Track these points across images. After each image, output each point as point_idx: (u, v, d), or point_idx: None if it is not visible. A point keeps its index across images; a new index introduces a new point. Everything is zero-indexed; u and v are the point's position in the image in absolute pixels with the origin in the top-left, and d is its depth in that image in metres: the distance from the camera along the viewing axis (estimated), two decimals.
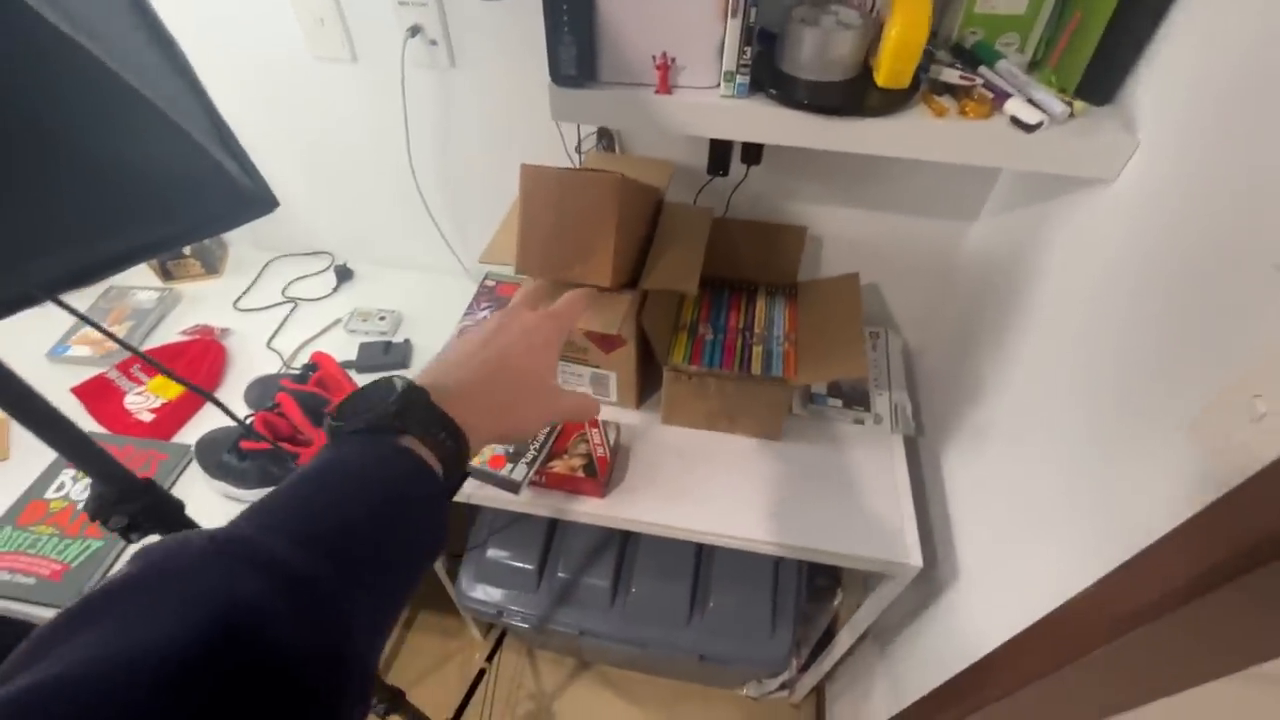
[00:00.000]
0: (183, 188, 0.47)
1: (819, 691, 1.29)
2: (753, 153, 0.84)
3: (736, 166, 0.88)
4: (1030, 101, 0.60)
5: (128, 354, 1.02)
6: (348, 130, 0.99)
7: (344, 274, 1.17)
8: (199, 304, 1.14)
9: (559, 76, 0.63)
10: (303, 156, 1.05)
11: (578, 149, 0.92)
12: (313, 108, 0.97)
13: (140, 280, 1.15)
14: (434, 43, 0.85)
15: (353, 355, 1.02)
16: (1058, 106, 0.58)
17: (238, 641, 0.23)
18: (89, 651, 0.21)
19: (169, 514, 0.48)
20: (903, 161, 0.63)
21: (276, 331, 1.08)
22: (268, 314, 1.11)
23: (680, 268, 0.77)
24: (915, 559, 0.79)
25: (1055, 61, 0.63)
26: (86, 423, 0.94)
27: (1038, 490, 0.67)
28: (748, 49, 0.59)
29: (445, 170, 1.01)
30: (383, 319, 1.08)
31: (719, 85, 0.63)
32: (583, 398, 0.46)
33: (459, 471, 0.36)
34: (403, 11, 0.83)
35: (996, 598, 0.73)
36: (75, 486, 0.85)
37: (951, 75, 0.63)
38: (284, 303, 1.13)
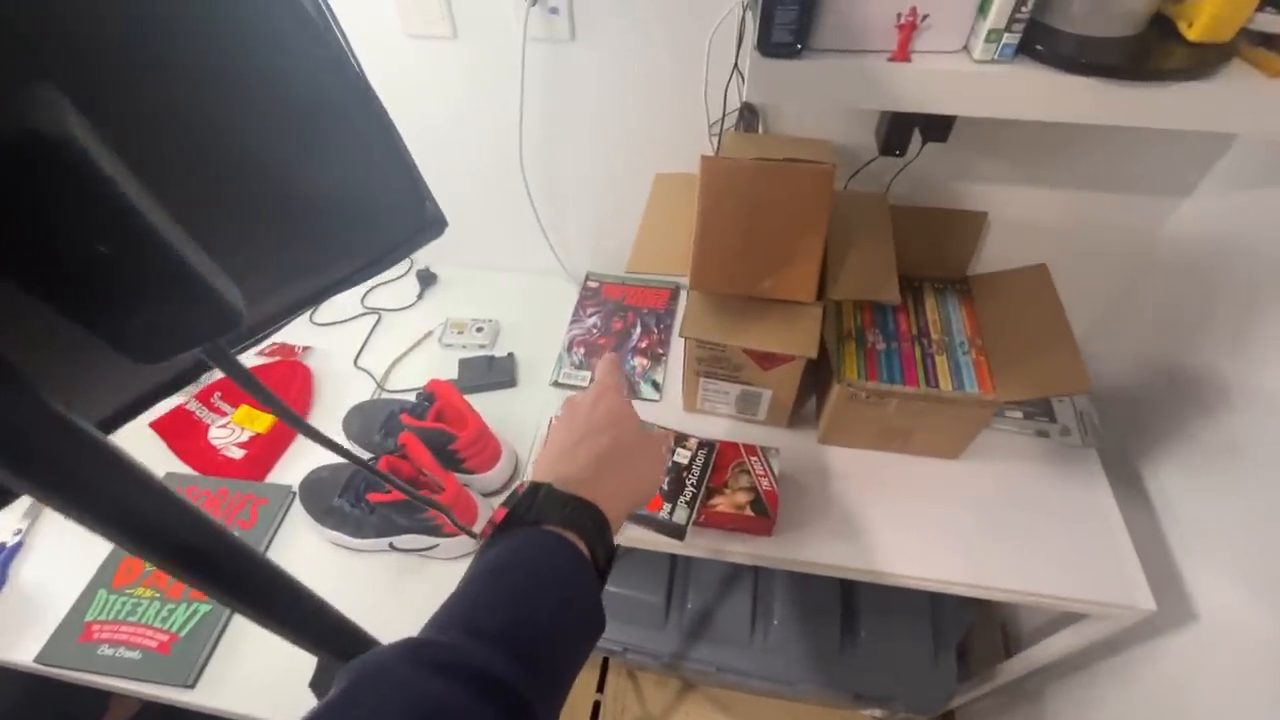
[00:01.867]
0: (374, 213, 0.36)
1: (950, 713, 1.20)
2: (940, 127, 0.71)
3: (914, 143, 0.75)
4: None
5: (206, 382, 0.92)
6: (441, 114, 0.86)
7: (427, 279, 1.05)
8: None
9: (770, 45, 0.50)
10: None
11: (715, 130, 0.79)
12: (402, 90, 0.84)
13: None
14: (554, 10, 0.72)
15: (454, 373, 0.91)
16: None
17: None
18: None
19: None
20: (1110, 127, 0.49)
21: (362, 348, 0.97)
22: (349, 327, 1.00)
23: (873, 271, 0.65)
24: (1145, 601, 0.68)
25: None
26: (170, 462, 0.84)
27: None
28: (1025, 4, 0.46)
29: (551, 160, 0.89)
30: (480, 330, 0.97)
31: (969, 48, 0.49)
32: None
33: (606, 552, 0.37)
34: None
35: (1258, 658, 0.62)
36: None
37: (1273, 23, 0.49)
38: (365, 314, 1.02)
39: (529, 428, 0.84)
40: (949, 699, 0.93)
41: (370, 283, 1.06)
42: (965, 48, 0.50)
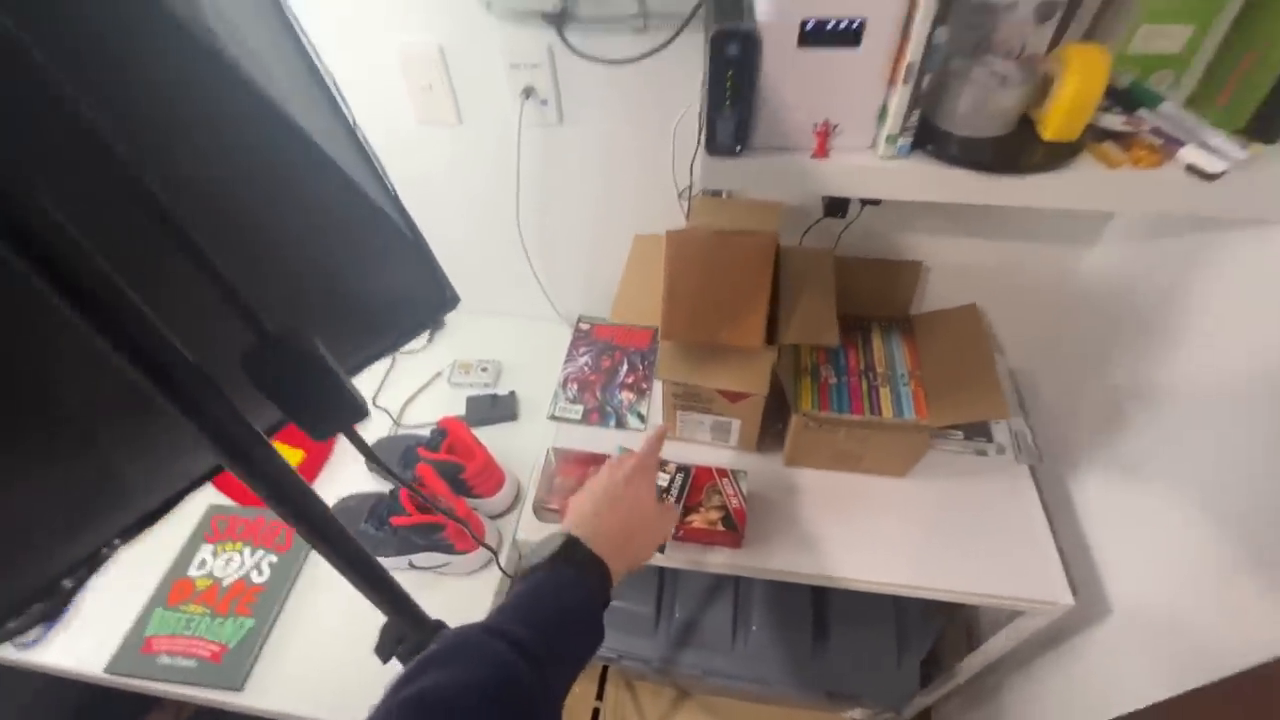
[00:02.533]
0: (400, 298, 0.48)
1: (927, 713, 1.29)
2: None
3: (854, 206, 0.87)
4: (1204, 146, 0.59)
5: None
6: (446, 186, 0.99)
7: (436, 325, 1.17)
8: None
9: (714, 147, 0.62)
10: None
11: (685, 195, 0.92)
12: (413, 167, 0.98)
13: None
14: (545, 102, 0.85)
15: (462, 410, 1.03)
16: (1239, 152, 0.57)
17: (514, 684, 0.40)
18: (445, 678, 0.39)
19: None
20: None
21: (379, 388, 1.08)
22: (366, 371, 1.11)
23: (816, 318, 0.77)
24: (1064, 597, 0.78)
25: (1224, 100, 0.62)
26: (212, 495, 0.95)
27: (1208, 537, 0.66)
28: (915, 113, 0.58)
29: (544, 220, 1.01)
30: (484, 370, 1.08)
31: (875, 145, 0.62)
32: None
33: (604, 592, 0.53)
34: (514, 74, 0.82)
35: (1158, 644, 0.72)
36: (216, 562, 0.87)
37: (1114, 121, 0.61)
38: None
39: (530, 456, 0.95)
40: (914, 695, 1.02)
41: None
42: (873, 146, 0.62)
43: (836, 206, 0.85)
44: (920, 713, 1.27)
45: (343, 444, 1.02)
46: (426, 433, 0.91)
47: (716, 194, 0.91)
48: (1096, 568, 0.83)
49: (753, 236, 0.66)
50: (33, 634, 0.81)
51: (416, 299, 0.49)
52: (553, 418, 1.00)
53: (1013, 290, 0.99)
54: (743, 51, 0.55)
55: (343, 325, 0.43)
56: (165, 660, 0.78)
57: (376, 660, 0.53)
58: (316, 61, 0.40)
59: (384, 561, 0.84)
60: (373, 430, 1.01)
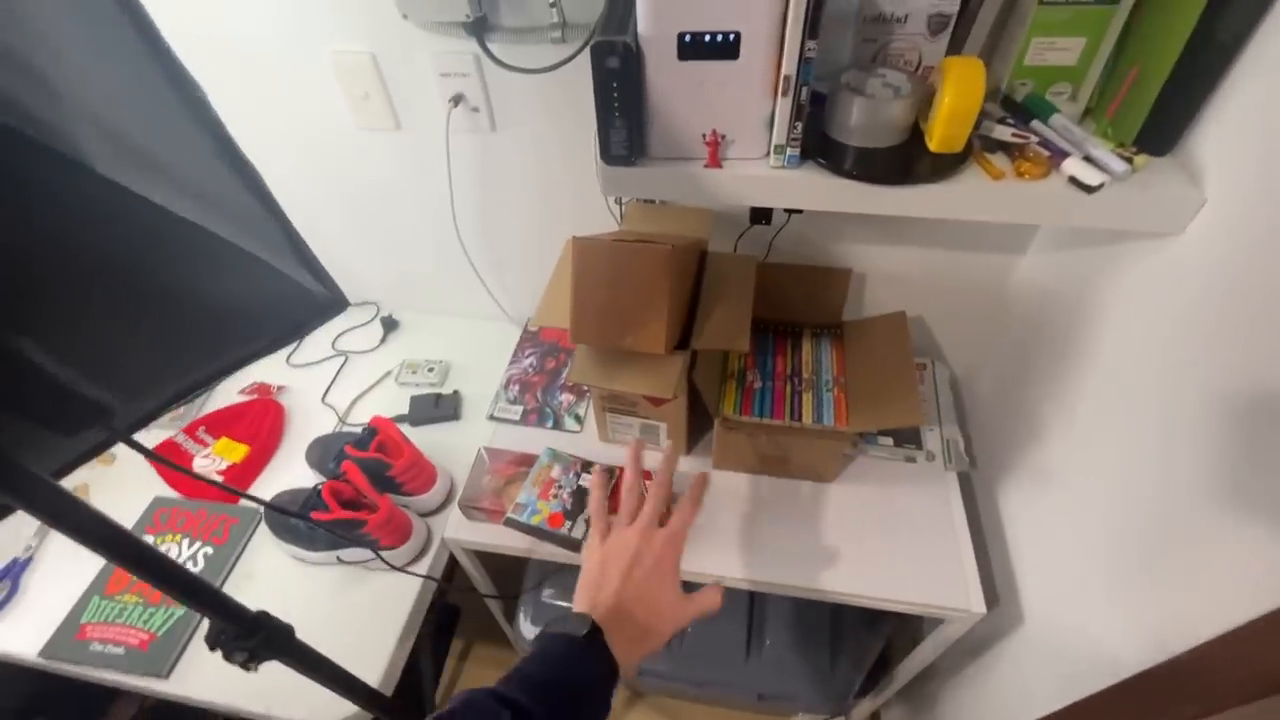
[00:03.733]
0: (267, 309, 0.50)
1: (874, 717, 1.29)
2: None
3: (779, 214, 0.88)
4: (1088, 159, 0.59)
5: (191, 417, 1.06)
6: (393, 190, 1.02)
7: (390, 324, 1.20)
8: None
9: (609, 157, 0.63)
10: (351, 215, 1.07)
11: (618, 201, 0.93)
12: (360, 172, 1.00)
13: None
14: (476, 109, 0.87)
15: (405, 409, 1.05)
16: (1118, 165, 0.57)
17: None
18: None
19: (282, 642, 0.50)
20: None
21: (329, 387, 1.11)
22: (320, 368, 1.14)
23: (729, 325, 0.78)
24: (977, 605, 0.78)
25: (1112, 113, 0.62)
26: (159, 486, 0.98)
27: (1105, 544, 0.66)
28: (798, 124, 0.59)
29: (487, 224, 1.03)
30: (431, 370, 1.10)
31: (768, 156, 0.63)
32: (707, 597, 0.57)
33: (612, 670, 0.49)
34: (444, 83, 0.84)
35: (1063, 651, 0.72)
36: None
37: (1004, 133, 0.62)
38: (334, 356, 1.16)
39: (467, 455, 0.97)
40: (849, 700, 1.03)
41: (340, 327, 1.21)
42: (766, 156, 0.63)
43: (761, 214, 0.86)
44: (868, 718, 1.27)
45: (287, 439, 1.04)
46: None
47: (650, 201, 0.93)
48: (1015, 577, 0.83)
49: (650, 247, 0.67)
50: None
51: (290, 305, 0.50)
52: (491, 418, 1.02)
53: (953, 299, 0.99)
54: (623, 63, 0.57)
55: (205, 334, 0.45)
56: (96, 647, 0.81)
57: None
58: (178, 76, 0.41)
59: (312, 555, 0.87)
60: (318, 428, 1.04)
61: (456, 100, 0.85)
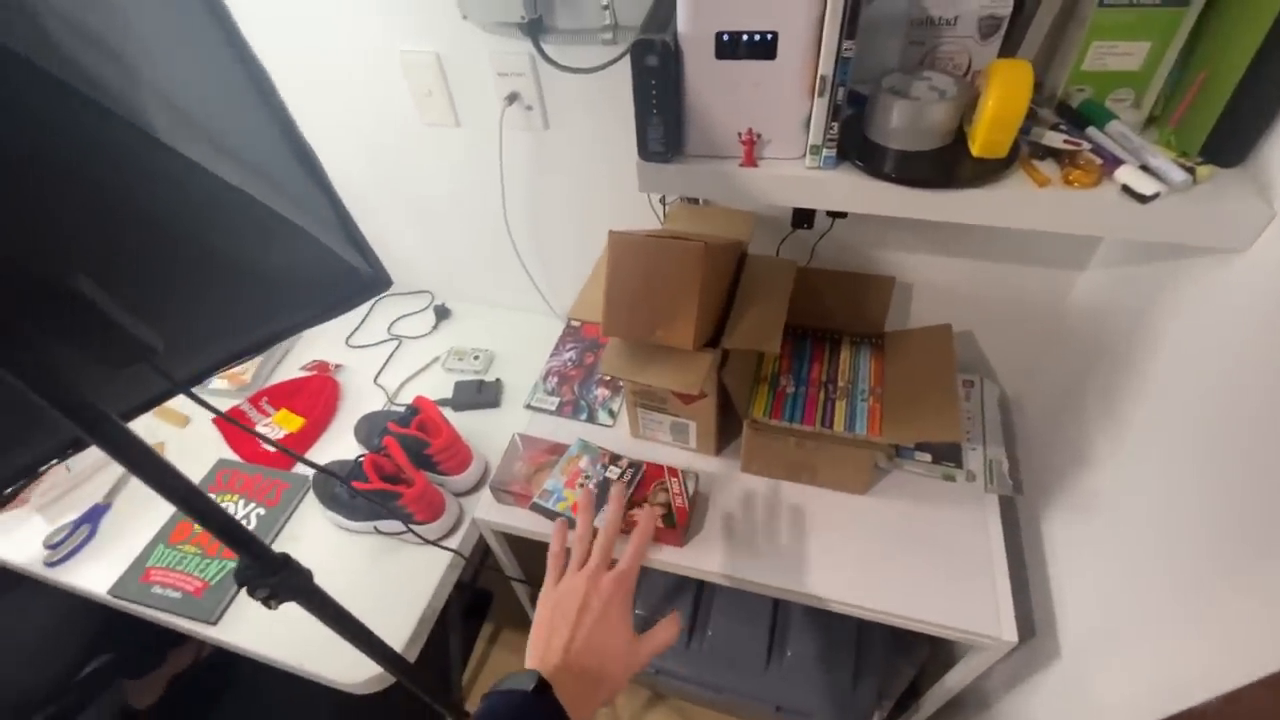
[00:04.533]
0: (314, 281, 0.53)
1: None
2: None
3: (821, 219, 0.87)
4: (1145, 168, 0.56)
5: (257, 386, 1.14)
6: (450, 184, 1.07)
7: (442, 313, 1.25)
8: (318, 340, 1.25)
9: (646, 153, 0.65)
10: (409, 206, 1.14)
11: (662, 200, 0.94)
12: (420, 166, 1.06)
13: None
14: (530, 108, 0.90)
15: (449, 393, 1.09)
16: (1177, 174, 0.54)
17: None
18: None
19: (301, 585, 0.54)
20: None
21: (382, 368, 1.17)
22: (375, 350, 1.21)
23: (762, 326, 0.77)
24: (1009, 634, 0.75)
25: (1176, 120, 0.59)
26: (224, 450, 1.06)
27: (1154, 578, 0.62)
28: (834, 125, 0.59)
29: (536, 220, 1.07)
30: (477, 358, 1.15)
31: (804, 156, 0.63)
32: (663, 632, 0.56)
33: None
34: (501, 82, 0.88)
35: (1105, 690, 0.68)
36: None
37: (1055, 139, 0.60)
38: (389, 340, 1.22)
39: (503, 441, 1.00)
40: (869, 718, 1.00)
41: (397, 313, 1.27)
42: (802, 156, 0.63)
43: (803, 218, 0.86)
44: None
45: (341, 413, 1.11)
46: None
47: (694, 202, 0.94)
48: (1054, 610, 0.79)
49: (684, 243, 0.68)
50: (61, 552, 0.93)
51: (337, 280, 0.54)
52: (528, 407, 1.05)
53: (1006, 314, 0.95)
54: (661, 61, 0.58)
55: (255, 299, 0.49)
56: (157, 590, 0.88)
57: None
58: (246, 64, 0.45)
59: (352, 524, 0.92)
60: (370, 405, 1.10)
61: (512, 99, 0.89)
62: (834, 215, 0.85)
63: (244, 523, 0.93)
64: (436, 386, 1.11)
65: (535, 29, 0.79)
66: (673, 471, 0.88)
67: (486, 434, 1.02)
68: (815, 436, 0.82)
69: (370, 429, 1.01)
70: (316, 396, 1.11)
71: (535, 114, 0.91)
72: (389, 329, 1.25)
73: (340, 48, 0.93)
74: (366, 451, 0.95)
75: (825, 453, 0.84)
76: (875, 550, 0.83)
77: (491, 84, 0.89)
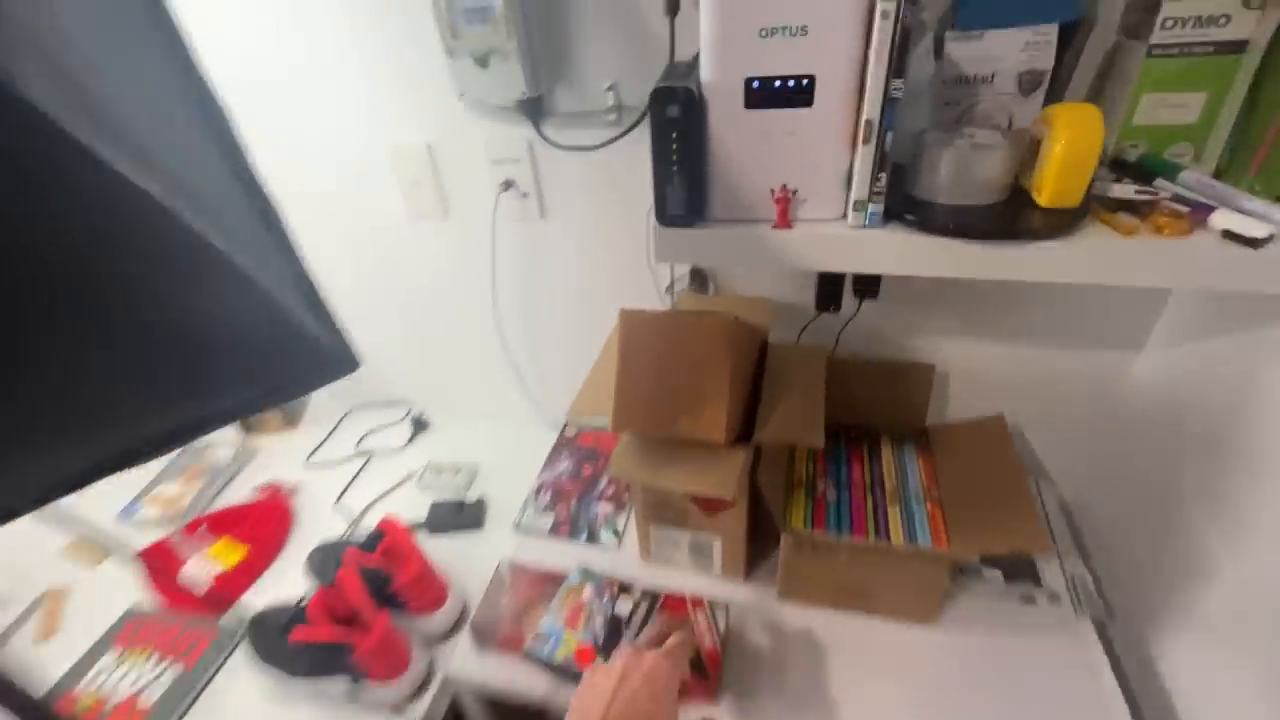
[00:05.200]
0: (255, 349, 0.41)
1: None
2: (867, 285, 0.76)
3: (848, 300, 0.80)
4: (1240, 211, 0.49)
5: (194, 514, 0.97)
6: (436, 281, 0.99)
7: (420, 425, 1.12)
8: (275, 458, 1.10)
9: (666, 217, 0.57)
10: (390, 307, 1.04)
11: (669, 290, 0.87)
12: (404, 261, 0.98)
13: (221, 434, 1.14)
14: (525, 195, 0.84)
15: (424, 515, 0.93)
16: None
17: None
18: None
19: None
20: (1045, 287, 0.53)
21: (346, 489, 1.01)
22: (340, 469, 1.06)
23: (800, 417, 0.66)
24: None
25: (1256, 169, 0.53)
26: (133, 594, 0.87)
27: None
28: (881, 175, 0.52)
29: (529, 319, 0.98)
30: (457, 473, 1.00)
31: (845, 216, 0.55)
32: None
33: None
34: (496, 170, 0.83)
35: None
36: (114, 676, 0.76)
37: (1126, 190, 0.53)
38: (356, 456, 1.08)
39: (487, 572, 0.83)
40: None
41: (368, 425, 1.13)
42: (843, 216, 0.56)
43: (829, 299, 0.78)
44: None
45: (292, 544, 0.93)
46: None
47: (703, 290, 0.86)
48: None
49: (709, 317, 0.58)
50: None
51: (292, 354, 0.42)
52: (518, 528, 0.89)
53: (1056, 404, 0.85)
54: (684, 113, 0.52)
55: (174, 365, 0.37)
56: None
57: None
58: (204, 95, 0.37)
59: (292, 683, 0.72)
60: (326, 531, 0.93)
61: (506, 185, 0.83)
62: (862, 296, 0.78)
63: (153, 687, 0.74)
64: (410, 508, 0.95)
65: (535, 110, 0.75)
66: (697, 603, 0.72)
67: (467, 563, 0.85)
68: (871, 551, 0.68)
69: (325, 559, 0.84)
70: (262, 524, 0.94)
71: (531, 202, 0.85)
72: (357, 444, 1.10)
73: (321, 137, 0.88)
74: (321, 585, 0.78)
75: (884, 571, 0.69)
76: (954, 698, 0.66)
77: (485, 172, 0.84)
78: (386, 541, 0.76)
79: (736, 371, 0.59)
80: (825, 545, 0.69)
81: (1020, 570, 0.77)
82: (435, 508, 0.94)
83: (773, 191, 0.55)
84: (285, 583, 0.87)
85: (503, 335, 0.97)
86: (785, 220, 0.56)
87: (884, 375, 0.81)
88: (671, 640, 0.54)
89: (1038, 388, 0.84)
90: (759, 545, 0.78)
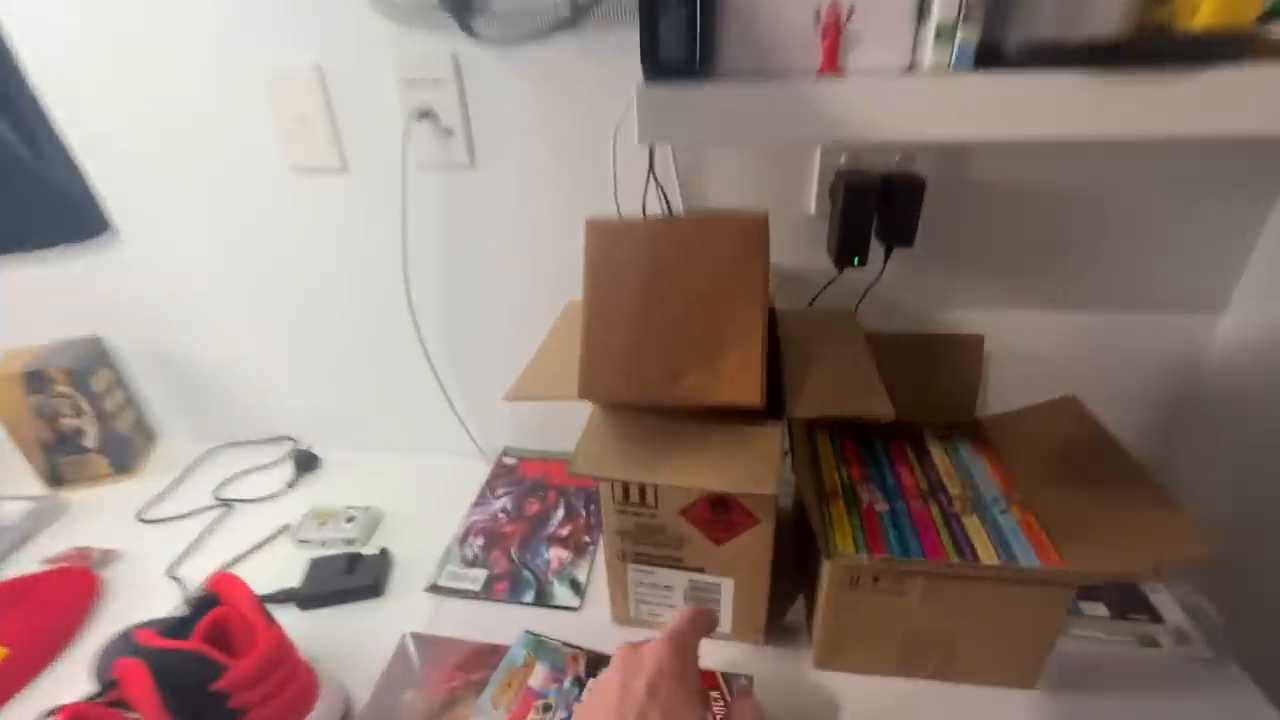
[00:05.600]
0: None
1: None
2: (901, 225, 0.58)
3: (874, 258, 0.62)
4: None
5: None
6: (327, 261, 0.75)
7: (306, 462, 0.84)
8: (95, 514, 0.79)
9: (657, 65, 0.38)
10: (263, 304, 0.79)
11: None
12: (283, 242, 0.74)
13: (16, 485, 0.82)
14: (450, 132, 0.64)
15: (299, 579, 0.65)
16: None
17: None
18: None
19: None
20: (1112, 229, 0.37)
21: (186, 551, 0.72)
22: (187, 525, 0.76)
23: (852, 383, 0.46)
24: None
25: None
26: None
27: None
28: None
29: (454, 311, 0.75)
30: (350, 520, 0.73)
31: (916, 57, 0.38)
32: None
33: None
34: (409, 94, 0.63)
35: None
36: None
37: None
38: (212, 507, 0.78)
39: (383, 651, 0.56)
40: None
41: (236, 468, 0.85)
42: (911, 64, 0.39)
43: (851, 244, 0.60)
44: None
45: (93, 628, 0.63)
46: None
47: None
48: None
49: (729, 218, 0.39)
50: None
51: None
52: (434, 588, 0.63)
53: (1120, 387, 0.69)
54: None
55: None
56: None
57: None
58: None
59: None
60: (155, 610, 0.62)
61: (423, 116, 0.63)
62: (892, 242, 0.60)
63: None
64: (279, 572, 0.67)
65: (462, 7, 0.57)
66: (709, 678, 0.48)
67: (358, 644, 0.58)
68: (960, 577, 0.47)
69: (119, 652, 0.54)
70: (51, 602, 0.63)
71: (457, 142, 0.65)
72: (215, 492, 0.81)
73: (168, 58, 0.66)
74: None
75: (975, 607, 0.48)
76: None
77: (395, 103, 0.64)
78: (216, 613, 0.48)
79: (767, 302, 0.39)
80: (891, 574, 0.47)
81: (1129, 602, 0.57)
82: (316, 567, 0.66)
83: (817, 16, 0.37)
84: (67, 690, 0.56)
85: (420, 336, 0.73)
86: (833, 63, 0.38)
87: (922, 352, 0.63)
88: (676, 620, 0.38)
89: (1092, 366, 0.68)
90: (782, 585, 0.55)
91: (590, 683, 0.38)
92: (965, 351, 0.63)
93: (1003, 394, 0.70)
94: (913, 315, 0.68)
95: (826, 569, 0.48)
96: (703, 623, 0.39)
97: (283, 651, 0.49)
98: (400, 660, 0.52)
